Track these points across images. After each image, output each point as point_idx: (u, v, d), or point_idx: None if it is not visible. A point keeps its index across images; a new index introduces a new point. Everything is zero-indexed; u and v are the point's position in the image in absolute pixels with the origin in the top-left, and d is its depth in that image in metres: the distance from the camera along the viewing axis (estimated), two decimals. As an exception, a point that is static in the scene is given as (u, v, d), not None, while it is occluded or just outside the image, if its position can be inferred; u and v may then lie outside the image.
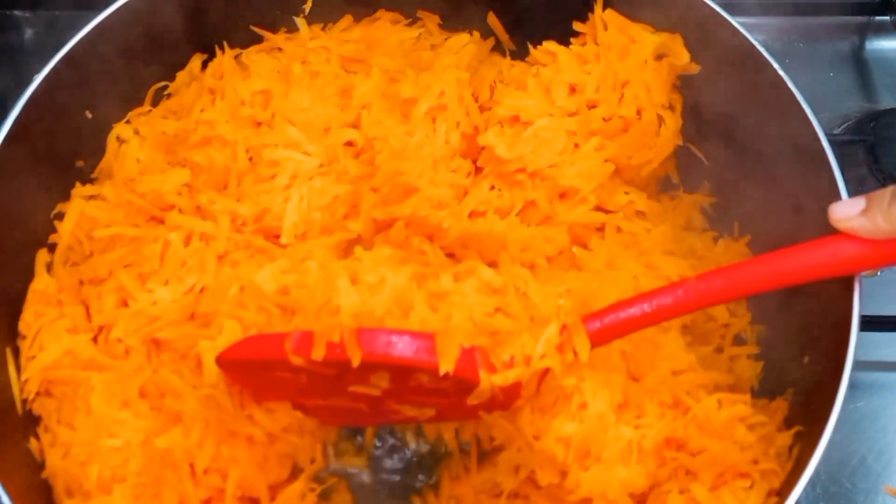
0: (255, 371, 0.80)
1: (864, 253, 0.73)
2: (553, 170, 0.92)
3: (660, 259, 0.92)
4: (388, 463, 0.93)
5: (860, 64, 1.29)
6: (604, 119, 0.94)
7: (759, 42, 0.91)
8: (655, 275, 0.90)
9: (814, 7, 1.30)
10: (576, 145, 0.93)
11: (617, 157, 0.94)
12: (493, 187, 0.94)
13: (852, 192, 0.82)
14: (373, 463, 0.93)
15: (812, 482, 0.94)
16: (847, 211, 0.73)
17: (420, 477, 0.92)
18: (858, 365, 1.01)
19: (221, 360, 0.80)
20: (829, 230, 0.77)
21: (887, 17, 1.31)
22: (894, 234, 0.71)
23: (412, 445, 0.94)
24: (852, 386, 0.99)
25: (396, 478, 0.92)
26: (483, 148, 0.94)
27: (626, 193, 0.96)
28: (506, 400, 0.79)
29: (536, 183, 0.93)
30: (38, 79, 0.88)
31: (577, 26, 0.97)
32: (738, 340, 0.93)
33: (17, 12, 1.34)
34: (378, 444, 0.94)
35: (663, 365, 0.84)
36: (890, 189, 0.71)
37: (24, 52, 1.32)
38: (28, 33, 1.33)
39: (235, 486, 0.81)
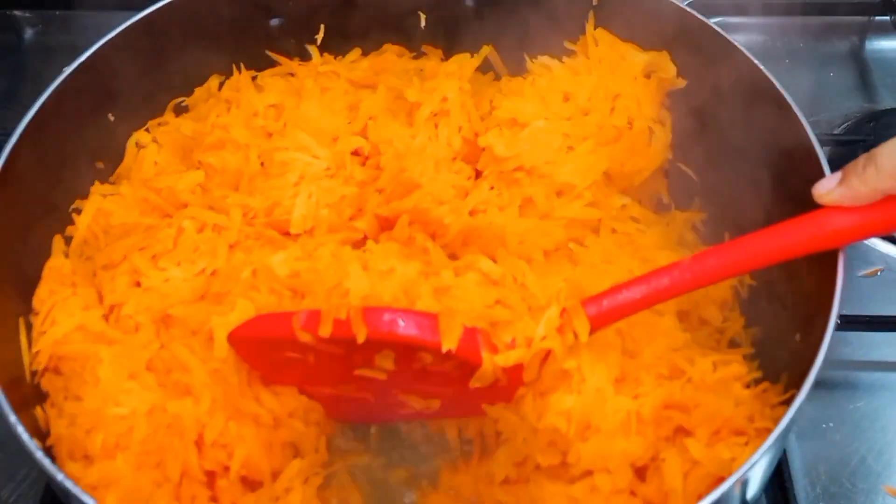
0: (265, 351, 0.82)
1: (850, 222, 0.76)
2: (549, 166, 0.95)
3: (656, 253, 0.94)
4: (390, 455, 0.94)
5: (860, 64, 1.29)
6: (597, 127, 0.97)
7: (757, 44, 0.91)
8: (651, 267, 0.91)
9: (814, 7, 1.30)
10: (570, 147, 0.97)
11: (610, 164, 0.97)
12: (492, 187, 0.97)
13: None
14: (374, 455, 0.94)
15: (812, 482, 0.95)
16: (827, 185, 0.76)
17: (420, 469, 0.92)
18: (859, 365, 1.02)
19: (233, 337, 0.82)
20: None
21: (887, 18, 1.32)
22: (873, 196, 0.74)
23: (414, 439, 0.94)
24: (852, 386, 1.00)
25: (397, 469, 0.92)
26: (483, 150, 0.97)
27: (621, 202, 1.00)
28: (508, 387, 0.81)
29: (534, 180, 0.96)
30: (67, 71, 0.92)
31: (568, 44, 1.02)
32: (733, 344, 0.95)
33: (16, 12, 1.34)
34: (380, 437, 0.95)
35: (659, 342, 0.86)
36: (862, 156, 0.75)
37: (23, 52, 1.33)
38: (28, 33, 1.33)
39: (240, 464, 0.82)
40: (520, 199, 0.96)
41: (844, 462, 0.97)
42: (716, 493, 0.70)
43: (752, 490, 0.81)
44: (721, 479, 0.77)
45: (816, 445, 0.97)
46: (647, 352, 0.85)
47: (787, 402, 0.79)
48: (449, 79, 1.00)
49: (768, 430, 0.78)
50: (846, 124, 1.22)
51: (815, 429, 0.98)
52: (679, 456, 0.79)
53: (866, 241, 1.11)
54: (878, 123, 1.18)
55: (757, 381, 0.85)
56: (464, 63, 1.03)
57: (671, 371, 0.85)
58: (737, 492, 0.74)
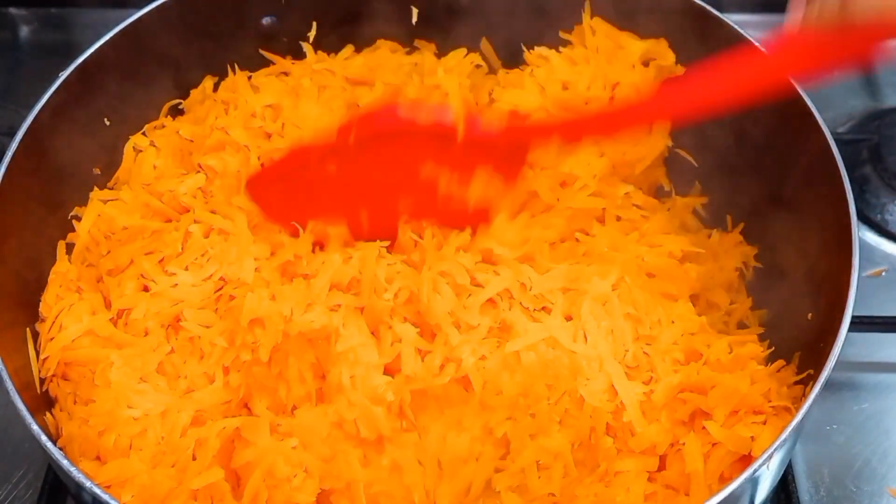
0: (290, 181, 0.90)
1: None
2: (552, 157, 0.97)
3: (661, 238, 0.96)
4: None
5: (864, 62, 1.29)
6: None
7: (761, 41, 0.91)
8: (659, 252, 0.95)
9: (817, 4, 1.30)
10: None
11: (612, 153, 1.00)
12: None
13: (856, 193, 0.84)
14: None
15: (816, 484, 0.95)
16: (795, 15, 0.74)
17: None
18: (863, 366, 1.02)
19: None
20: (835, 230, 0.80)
21: (892, 15, 1.31)
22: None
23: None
24: (857, 387, 1.00)
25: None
26: None
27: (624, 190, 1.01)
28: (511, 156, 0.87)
29: (537, 172, 0.98)
30: (63, 76, 0.92)
31: (563, 34, 1.03)
32: (741, 326, 0.97)
33: (12, 9, 1.35)
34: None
35: (675, 327, 0.88)
36: None
37: (18, 50, 1.33)
38: (24, 31, 1.33)
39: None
40: (524, 194, 0.97)
41: (848, 464, 0.97)
42: (745, 474, 0.72)
43: (762, 493, 0.83)
44: (741, 457, 0.79)
45: (820, 447, 0.98)
46: (663, 337, 0.87)
47: (804, 382, 0.83)
48: (448, 74, 1.02)
49: (786, 409, 0.81)
50: (850, 123, 1.22)
51: (818, 430, 0.99)
52: (698, 439, 0.81)
53: (870, 241, 1.12)
54: (882, 122, 1.18)
55: (770, 360, 0.87)
56: (462, 59, 1.05)
57: (687, 355, 0.87)
58: (766, 469, 0.75)
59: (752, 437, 0.79)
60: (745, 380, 0.83)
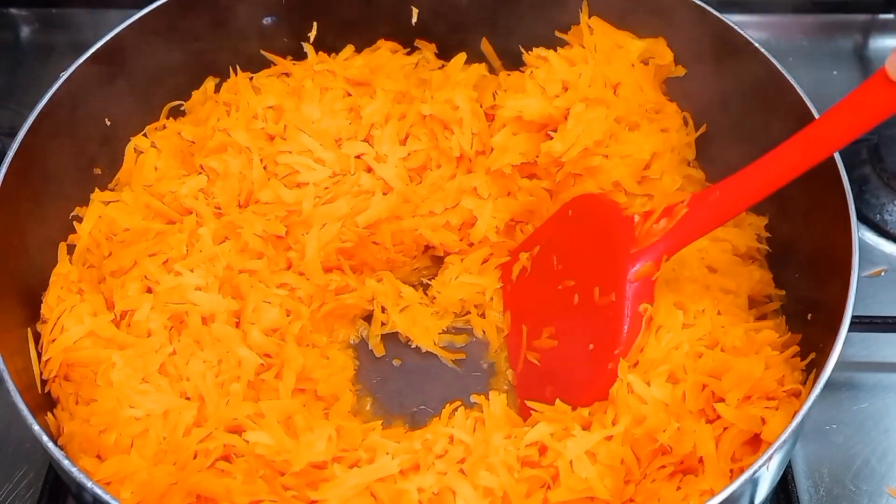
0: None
1: None
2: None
3: (726, 231, 0.96)
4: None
5: (864, 62, 1.30)
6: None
7: (761, 41, 0.92)
8: (722, 248, 0.95)
9: (817, 5, 1.31)
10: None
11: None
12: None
13: (855, 193, 0.84)
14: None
15: (815, 484, 0.95)
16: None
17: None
18: (863, 366, 1.02)
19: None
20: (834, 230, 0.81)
21: (891, 15, 1.32)
22: None
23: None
24: (856, 387, 1.01)
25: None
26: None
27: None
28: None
29: (616, 163, 0.98)
30: (64, 76, 0.93)
31: (559, 34, 1.04)
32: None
33: (13, 10, 1.35)
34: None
35: (712, 319, 0.88)
36: None
37: (19, 50, 1.33)
38: (24, 31, 1.33)
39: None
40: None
41: (848, 464, 0.97)
42: (761, 460, 0.72)
43: (762, 493, 0.83)
44: (751, 438, 0.80)
45: (820, 447, 0.98)
46: (696, 329, 0.87)
47: (807, 369, 0.83)
48: (457, 87, 1.02)
49: (799, 392, 0.81)
50: (850, 123, 1.22)
51: (818, 430, 0.99)
52: (709, 426, 0.81)
53: (869, 242, 1.12)
54: (881, 123, 1.18)
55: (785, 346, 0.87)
56: (469, 70, 1.06)
57: (708, 345, 0.86)
58: (766, 469, 0.75)
59: (763, 420, 0.80)
60: (760, 364, 0.83)
